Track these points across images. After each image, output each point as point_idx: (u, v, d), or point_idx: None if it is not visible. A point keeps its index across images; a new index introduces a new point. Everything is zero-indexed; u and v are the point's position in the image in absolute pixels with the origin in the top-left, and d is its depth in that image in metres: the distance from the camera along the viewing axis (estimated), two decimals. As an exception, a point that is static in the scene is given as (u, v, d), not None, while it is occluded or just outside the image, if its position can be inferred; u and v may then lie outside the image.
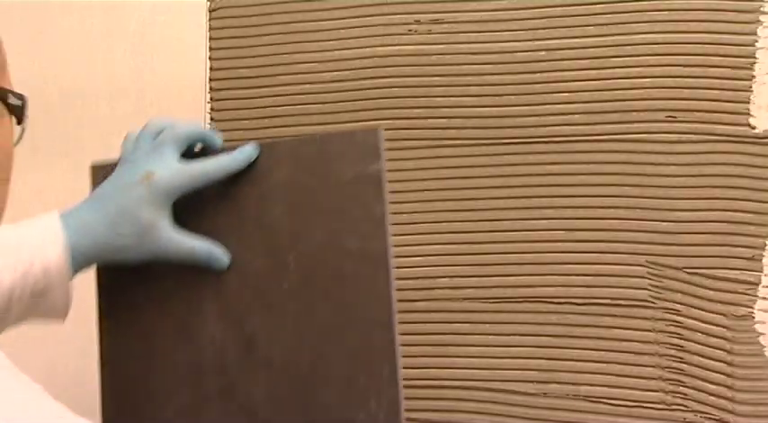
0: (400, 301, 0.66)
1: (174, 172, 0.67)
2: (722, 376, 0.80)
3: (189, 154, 0.70)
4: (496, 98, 0.87)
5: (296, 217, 0.70)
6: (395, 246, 0.68)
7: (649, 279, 0.83)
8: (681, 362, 0.81)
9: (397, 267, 0.87)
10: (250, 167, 0.70)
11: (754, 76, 0.82)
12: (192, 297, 0.72)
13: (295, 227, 0.70)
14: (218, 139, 0.71)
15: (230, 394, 0.70)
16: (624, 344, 0.83)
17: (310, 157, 0.70)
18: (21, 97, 0.52)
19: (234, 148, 0.69)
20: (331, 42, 0.92)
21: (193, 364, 0.72)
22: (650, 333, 0.82)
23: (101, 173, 0.73)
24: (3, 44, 0.53)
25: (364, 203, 0.68)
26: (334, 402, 0.67)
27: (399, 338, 0.66)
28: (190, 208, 0.71)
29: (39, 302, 0.64)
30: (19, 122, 0.52)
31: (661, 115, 0.84)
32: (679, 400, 0.81)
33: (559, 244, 0.85)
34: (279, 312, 0.69)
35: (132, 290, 0.74)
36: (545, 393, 0.84)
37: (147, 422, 0.73)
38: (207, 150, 0.71)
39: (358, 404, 0.66)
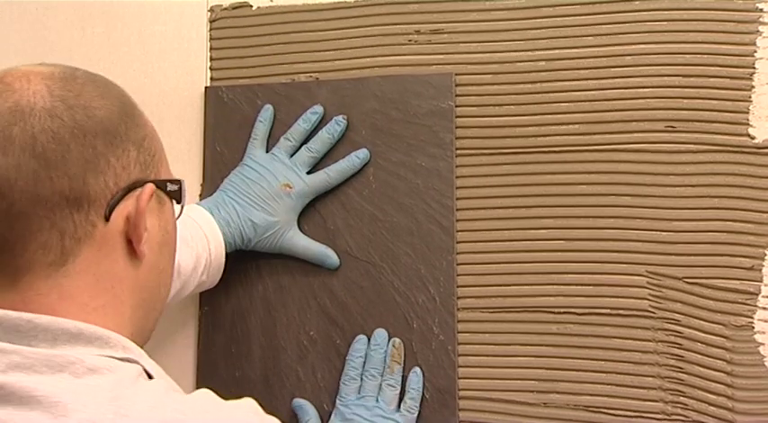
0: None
1: (306, 184, 0.87)
2: (722, 386, 0.80)
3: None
4: (496, 108, 0.87)
5: (378, 139, 0.89)
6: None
7: (649, 289, 0.83)
8: (681, 372, 0.81)
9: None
10: (341, 98, 0.90)
11: (753, 87, 0.82)
12: None
13: (376, 146, 0.89)
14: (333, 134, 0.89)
15: (313, 275, 0.89)
16: (624, 354, 0.83)
17: (393, 92, 0.89)
18: (177, 182, 0.60)
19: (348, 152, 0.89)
20: (331, 52, 0.92)
21: None
22: (650, 343, 0.82)
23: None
24: (157, 134, 0.61)
25: (436, 132, 0.88)
26: (400, 286, 0.87)
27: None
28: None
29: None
30: (178, 202, 0.61)
31: (660, 125, 0.84)
32: (679, 410, 0.81)
33: (559, 254, 0.85)
34: (357, 214, 0.88)
35: None
36: (545, 403, 0.84)
37: (240, 298, 0.91)
38: (321, 127, 0.90)
39: (419, 288, 0.86)
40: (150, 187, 0.57)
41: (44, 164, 0.51)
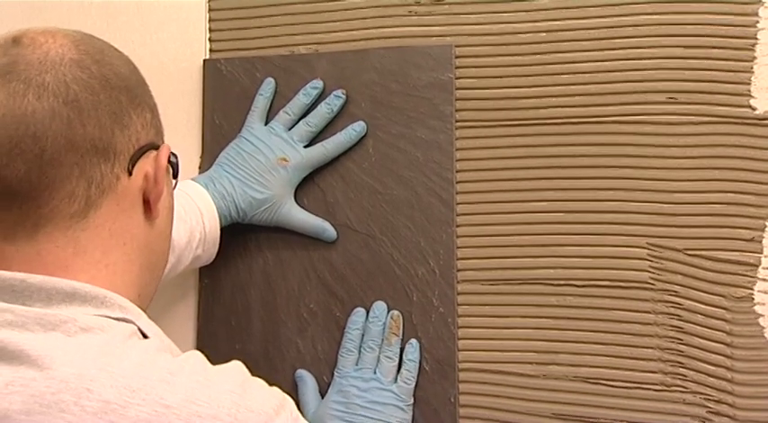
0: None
1: (303, 157, 0.86)
2: (721, 357, 0.81)
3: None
4: (496, 80, 0.87)
5: (377, 111, 0.88)
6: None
7: (649, 261, 0.83)
8: (680, 343, 0.82)
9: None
10: (340, 70, 0.89)
11: (755, 58, 0.82)
12: None
13: (376, 119, 0.88)
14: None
15: (312, 248, 0.89)
16: (624, 325, 0.83)
17: (392, 64, 0.88)
18: (176, 157, 0.61)
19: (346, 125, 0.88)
20: (330, 24, 0.92)
21: None
22: (650, 315, 0.82)
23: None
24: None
25: (436, 104, 0.87)
26: (399, 259, 0.87)
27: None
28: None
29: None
30: (174, 177, 0.62)
31: (662, 97, 0.83)
32: (678, 382, 0.81)
33: (559, 226, 0.85)
34: (357, 187, 0.88)
35: None
36: (544, 375, 0.84)
37: (240, 271, 0.91)
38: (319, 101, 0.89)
39: (419, 261, 0.86)
40: (168, 147, 0.59)
41: (77, 111, 0.52)
